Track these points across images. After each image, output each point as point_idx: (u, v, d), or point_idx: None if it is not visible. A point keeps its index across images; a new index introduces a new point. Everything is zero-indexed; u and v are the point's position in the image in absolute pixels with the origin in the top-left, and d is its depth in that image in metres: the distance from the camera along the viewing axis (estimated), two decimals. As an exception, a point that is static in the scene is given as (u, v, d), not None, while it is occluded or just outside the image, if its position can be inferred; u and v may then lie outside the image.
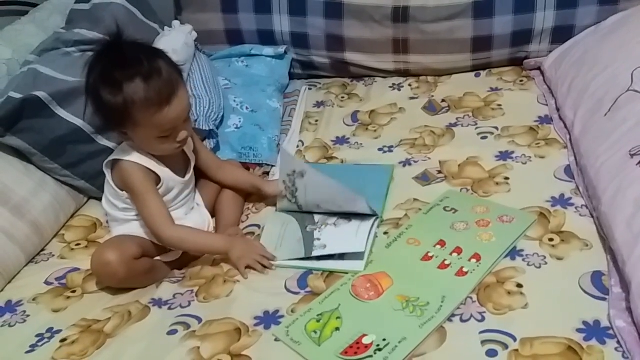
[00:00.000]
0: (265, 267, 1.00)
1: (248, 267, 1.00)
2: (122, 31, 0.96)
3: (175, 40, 1.39)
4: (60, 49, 1.31)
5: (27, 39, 1.38)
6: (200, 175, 1.20)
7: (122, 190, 1.05)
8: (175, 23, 1.50)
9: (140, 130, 0.98)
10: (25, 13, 1.52)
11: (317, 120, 1.48)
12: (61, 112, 1.18)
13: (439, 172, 1.20)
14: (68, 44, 1.31)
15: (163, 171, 1.04)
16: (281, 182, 1.10)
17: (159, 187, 1.04)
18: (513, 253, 0.95)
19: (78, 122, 1.19)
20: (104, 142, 1.21)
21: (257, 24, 1.61)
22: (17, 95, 1.15)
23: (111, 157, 1.05)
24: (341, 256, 1.00)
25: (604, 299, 0.84)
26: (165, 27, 1.48)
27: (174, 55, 1.32)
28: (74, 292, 1.05)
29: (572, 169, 1.12)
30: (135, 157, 1.02)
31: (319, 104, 1.55)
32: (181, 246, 1.06)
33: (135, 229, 1.06)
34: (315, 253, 1.00)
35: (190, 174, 1.12)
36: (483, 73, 1.55)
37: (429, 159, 1.25)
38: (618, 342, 0.77)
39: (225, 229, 1.13)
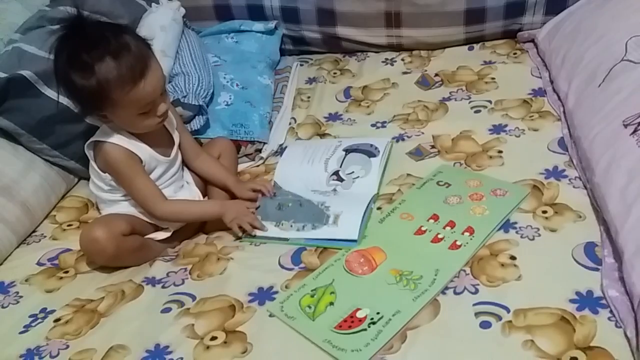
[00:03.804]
0: (255, 227, 1.03)
1: (240, 227, 1.03)
2: (82, 12, 0.93)
3: (162, 17, 1.36)
4: (45, 27, 1.28)
5: (11, 18, 1.35)
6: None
7: (105, 172, 1.04)
8: (163, -1, 1.47)
9: (120, 110, 0.95)
10: (8, -9, 1.48)
11: (309, 97, 1.47)
12: (48, 92, 1.16)
13: (432, 146, 1.20)
14: (53, 22, 1.28)
15: (145, 151, 1.03)
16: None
17: (142, 166, 1.03)
18: (506, 225, 0.95)
19: (66, 101, 1.16)
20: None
21: (246, -2, 1.58)
22: (2, 75, 1.13)
23: (92, 139, 1.03)
24: (335, 219, 1.00)
25: (597, 270, 0.84)
26: (153, 4, 1.45)
27: (162, 33, 1.32)
28: (66, 272, 1.05)
29: (565, 141, 1.12)
30: (116, 139, 1.00)
31: (310, 80, 1.53)
32: (177, 219, 1.08)
33: (124, 208, 1.06)
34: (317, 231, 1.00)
35: (174, 152, 1.10)
36: (476, 46, 1.53)
37: (422, 133, 1.24)
38: (611, 311, 0.78)
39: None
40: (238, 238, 1.04)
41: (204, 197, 1.17)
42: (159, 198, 1.03)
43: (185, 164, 1.16)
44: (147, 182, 1.03)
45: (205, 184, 1.18)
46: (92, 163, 1.05)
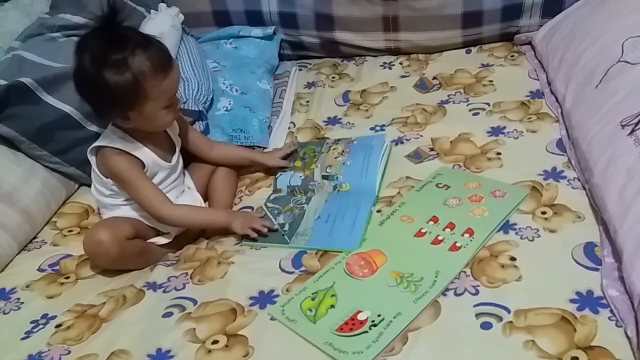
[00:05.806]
0: (268, 227, 1.03)
1: (252, 228, 1.02)
2: (116, 12, 0.92)
3: (162, 24, 1.37)
4: (45, 34, 1.29)
5: (11, 25, 1.35)
6: (192, 158, 1.19)
7: (107, 178, 1.04)
8: (162, 6, 1.47)
9: (149, 104, 0.96)
10: (7, -1, 1.49)
11: (308, 101, 1.47)
12: (48, 98, 1.16)
13: (431, 149, 1.20)
14: (52, 29, 1.29)
15: (147, 156, 1.03)
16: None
17: (144, 171, 1.03)
18: (506, 227, 0.95)
19: (66, 108, 1.17)
20: (93, 127, 1.20)
21: (244, 4, 1.59)
22: (2, 82, 1.13)
23: (95, 144, 1.03)
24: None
25: (597, 269, 0.85)
26: (152, 10, 1.46)
27: (161, 39, 1.32)
28: (67, 278, 1.05)
29: (563, 142, 1.12)
30: (119, 144, 1.01)
31: (309, 85, 1.54)
32: (183, 223, 1.07)
33: (126, 212, 1.06)
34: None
35: (176, 158, 1.11)
36: (474, 49, 1.54)
37: (421, 136, 1.25)
38: (611, 310, 0.78)
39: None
40: (239, 242, 1.05)
41: (204, 202, 1.17)
42: (164, 201, 1.02)
43: (202, 158, 1.18)
44: (150, 185, 1.02)
45: (206, 190, 1.18)
46: (95, 168, 1.05)
